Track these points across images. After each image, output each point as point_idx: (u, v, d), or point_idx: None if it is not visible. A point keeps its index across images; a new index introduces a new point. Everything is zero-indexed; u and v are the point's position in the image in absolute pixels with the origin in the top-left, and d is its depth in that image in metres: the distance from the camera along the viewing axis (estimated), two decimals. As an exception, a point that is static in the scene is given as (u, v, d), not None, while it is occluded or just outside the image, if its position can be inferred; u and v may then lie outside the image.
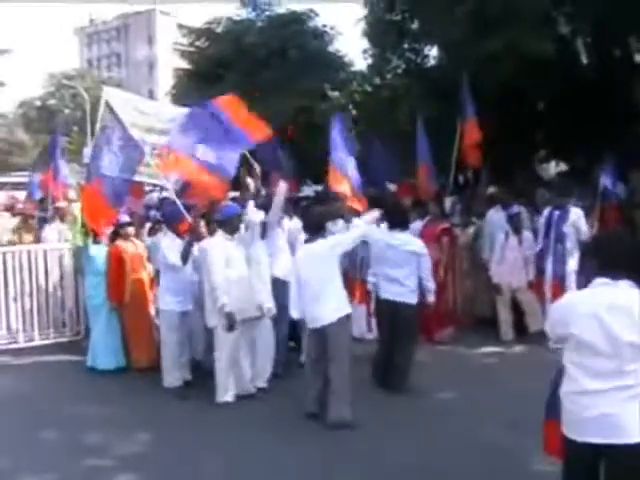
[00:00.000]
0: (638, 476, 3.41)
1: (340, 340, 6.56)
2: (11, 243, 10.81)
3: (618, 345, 3.34)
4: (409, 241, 7.53)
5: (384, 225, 7.99)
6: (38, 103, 65.72)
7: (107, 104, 8.44)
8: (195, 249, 7.59)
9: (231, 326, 7.01)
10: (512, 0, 12.34)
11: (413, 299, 7.46)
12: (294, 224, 8.58)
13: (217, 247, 7.20)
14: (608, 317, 3.35)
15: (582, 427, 3.45)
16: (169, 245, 7.74)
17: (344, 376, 6.53)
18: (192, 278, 7.83)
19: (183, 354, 7.85)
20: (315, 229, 6.87)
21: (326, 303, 6.57)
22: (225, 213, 7.51)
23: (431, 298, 7.64)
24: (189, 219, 7.78)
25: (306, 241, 6.97)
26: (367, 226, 7.12)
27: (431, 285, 7.59)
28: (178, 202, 7.89)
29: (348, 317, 6.71)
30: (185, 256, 7.46)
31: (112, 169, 8.14)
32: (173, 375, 7.75)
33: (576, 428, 3.49)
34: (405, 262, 7.40)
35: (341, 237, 6.87)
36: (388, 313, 7.51)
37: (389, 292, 7.49)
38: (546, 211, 9.44)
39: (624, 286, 3.43)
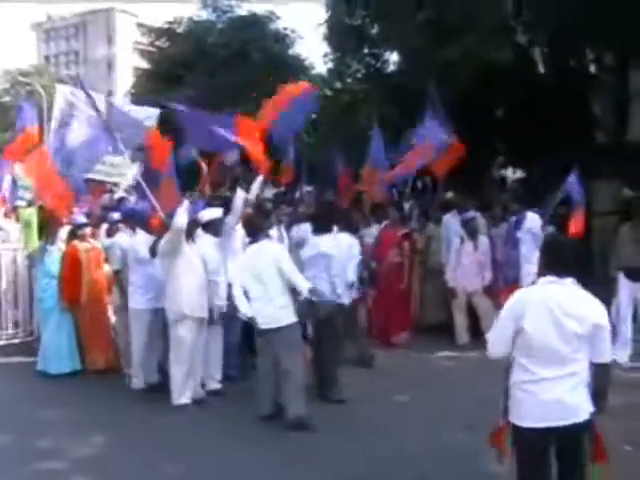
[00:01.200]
0: (583, 446, 3.85)
1: (294, 342, 6.61)
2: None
3: (566, 336, 3.72)
4: (320, 243, 7.45)
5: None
6: (-8, 99, 64.44)
7: (67, 101, 8.38)
8: None
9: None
10: (471, 9, 12.47)
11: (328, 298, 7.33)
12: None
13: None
14: (557, 310, 3.73)
15: (538, 413, 3.77)
16: (140, 240, 7.66)
17: (299, 376, 6.55)
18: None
19: (152, 355, 7.76)
20: (253, 233, 6.99)
21: (281, 305, 6.60)
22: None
23: (345, 300, 7.54)
24: (161, 214, 7.70)
25: (250, 243, 7.03)
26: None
27: (339, 289, 7.44)
28: (150, 195, 7.80)
29: (297, 324, 6.70)
30: (154, 250, 7.36)
31: (69, 168, 8.07)
32: (139, 377, 7.69)
33: (531, 415, 3.80)
34: (313, 263, 7.37)
35: (292, 269, 6.71)
36: (312, 313, 7.26)
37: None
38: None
39: (569, 283, 3.82)
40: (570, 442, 3.83)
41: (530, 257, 9.13)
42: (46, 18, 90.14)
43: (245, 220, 7.58)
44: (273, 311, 6.60)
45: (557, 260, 3.88)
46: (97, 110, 8.06)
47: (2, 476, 5.66)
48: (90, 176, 8.58)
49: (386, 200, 10.86)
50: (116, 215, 8.76)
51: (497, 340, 3.96)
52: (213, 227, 7.56)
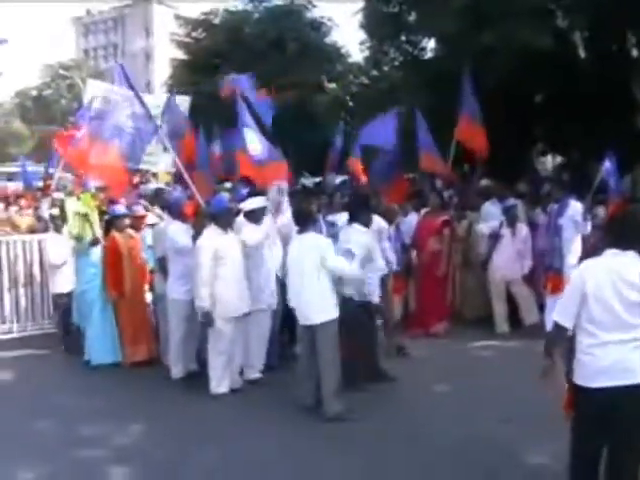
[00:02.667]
0: None
1: (327, 340, 6.53)
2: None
3: (626, 303, 3.93)
4: (350, 239, 7.08)
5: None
6: (34, 93, 65.44)
7: (100, 95, 8.51)
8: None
9: (209, 324, 7.03)
10: (509, -8, 12.28)
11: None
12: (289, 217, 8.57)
13: (207, 242, 7.11)
14: (617, 278, 3.95)
15: (603, 374, 3.97)
16: (177, 230, 7.69)
17: (334, 372, 6.51)
18: None
19: (190, 344, 7.78)
20: (303, 221, 6.89)
21: (311, 301, 6.54)
22: (214, 207, 7.41)
23: (374, 298, 7.32)
24: (201, 201, 7.71)
25: (298, 232, 6.95)
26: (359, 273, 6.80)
27: (366, 288, 7.22)
28: (191, 184, 7.86)
29: (334, 321, 6.57)
30: (196, 238, 7.33)
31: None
32: (178, 367, 7.72)
33: (595, 376, 3.99)
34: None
35: (335, 259, 6.58)
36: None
37: None
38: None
39: (631, 255, 4.01)
40: (630, 401, 3.99)
41: (571, 245, 8.99)
42: (85, 12, 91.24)
43: (297, 209, 7.43)
44: (306, 307, 6.58)
45: (621, 234, 4.10)
46: (140, 99, 8.11)
47: (43, 463, 5.73)
48: (140, 167, 8.74)
49: (427, 187, 10.77)
50: (121, 208, 8.73)
51: (565, 308, 4.11)
52: (255, 216, 7.51)
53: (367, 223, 7.33)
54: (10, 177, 21.48)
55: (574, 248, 8.92)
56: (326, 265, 6.50)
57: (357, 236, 7.10)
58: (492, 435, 6.00)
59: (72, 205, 8.88)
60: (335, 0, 27.03)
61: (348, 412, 6.43)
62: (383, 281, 7.76)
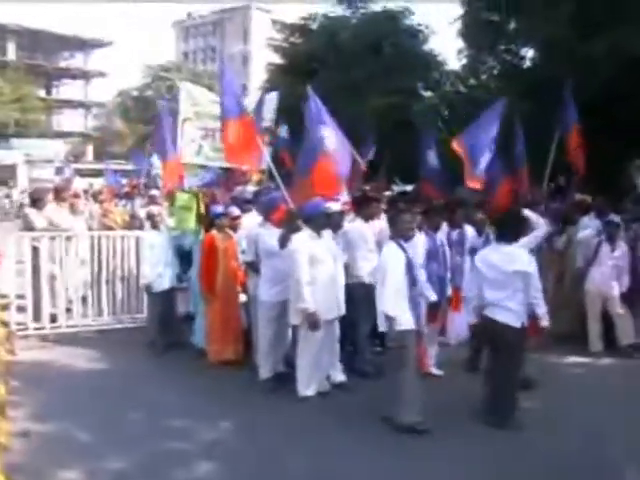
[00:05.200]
0: None
1: (397, 355, 6.46)
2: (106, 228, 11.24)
3: None
4: (514, 258, 6.53)
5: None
6: (135, 93, 67.53)
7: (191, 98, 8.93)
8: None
9: (315, 326, 6.99)
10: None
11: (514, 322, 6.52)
12: (382, 223, 8.55)
13: (302, 245, 7.12)
14: None
15: None
16: (267, 232, 7.75)
17: (404, 388, 6.39)
18: None
19: (279, 346, 7.82)
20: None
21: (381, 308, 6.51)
22: (309, 210, 7.40)
23: (545, 323, 6.56)
24: (291, 204, 7.76)
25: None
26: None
27: (542, 310, 6.53)
28: (283, 187, 7.94)
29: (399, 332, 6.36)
30: (283, 241, 7.36)
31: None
32: (266, 367, 7.74)
33: None
34: (505, 283, 6.48)
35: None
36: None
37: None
38: None
39: None
40: None
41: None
42: (187, 16, 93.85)
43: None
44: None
45: None
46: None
47: (134, 452, 5.88)
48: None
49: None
50: (219, 209, 8.85)
51: None
52: (334, 221, 7.50)
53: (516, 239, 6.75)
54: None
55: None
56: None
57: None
58: (581, 454, 5.84)
59: (181, 200, 9.19)
60: (434, 2, 26.72)
61: (419, 424, 6.30)
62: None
